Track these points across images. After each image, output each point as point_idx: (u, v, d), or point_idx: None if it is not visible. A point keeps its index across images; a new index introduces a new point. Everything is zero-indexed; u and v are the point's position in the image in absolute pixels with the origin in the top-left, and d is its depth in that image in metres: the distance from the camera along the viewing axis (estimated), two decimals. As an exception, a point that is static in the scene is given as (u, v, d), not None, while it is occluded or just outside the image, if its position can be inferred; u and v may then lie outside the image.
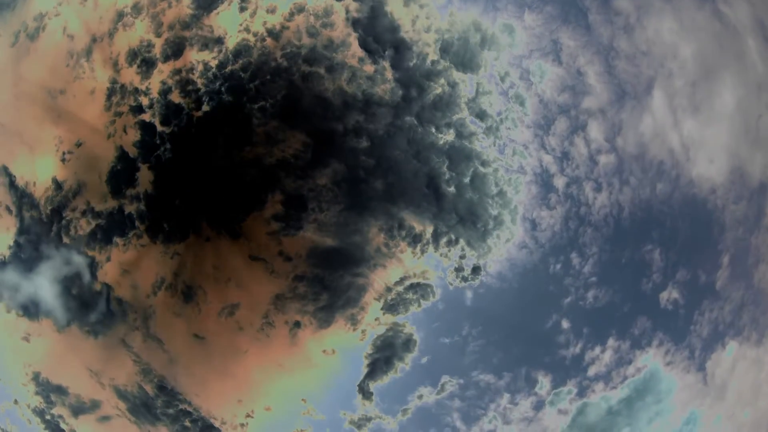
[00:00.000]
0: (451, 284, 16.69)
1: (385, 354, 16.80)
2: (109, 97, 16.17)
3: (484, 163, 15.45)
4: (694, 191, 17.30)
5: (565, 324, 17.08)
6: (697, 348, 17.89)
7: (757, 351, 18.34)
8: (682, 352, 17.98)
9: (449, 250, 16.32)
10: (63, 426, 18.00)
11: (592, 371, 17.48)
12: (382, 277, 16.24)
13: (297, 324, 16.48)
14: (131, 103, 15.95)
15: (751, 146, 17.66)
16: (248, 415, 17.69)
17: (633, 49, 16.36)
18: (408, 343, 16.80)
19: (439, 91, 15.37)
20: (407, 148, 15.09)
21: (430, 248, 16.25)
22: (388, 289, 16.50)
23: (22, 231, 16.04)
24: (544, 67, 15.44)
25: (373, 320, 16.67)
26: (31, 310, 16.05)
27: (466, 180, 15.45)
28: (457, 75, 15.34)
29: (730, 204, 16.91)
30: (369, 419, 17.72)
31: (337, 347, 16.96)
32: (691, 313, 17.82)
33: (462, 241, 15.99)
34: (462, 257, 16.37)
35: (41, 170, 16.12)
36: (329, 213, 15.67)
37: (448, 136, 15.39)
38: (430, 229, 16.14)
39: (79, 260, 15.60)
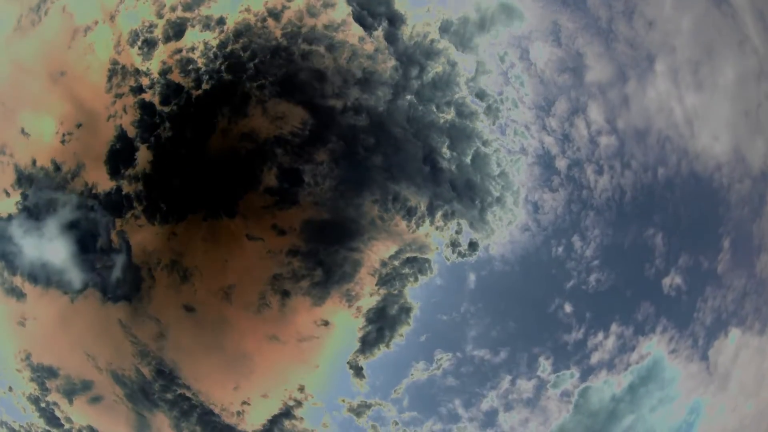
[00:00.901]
0: (448, 259, 16.64)
1: (379, 325, 16.72)
2: (110, 78, 16.19)
3: (485, 143, 15.41)
4: (696, 172, 17.27)
5: (568, 308, 16.96)
6: (700, 336, 17.75)
7: (760, 340, 18.16)
8: (686, 340, 17.82)
9: (445, 224, 16.29)
10: (57, 413, 17.77)
11: (595, 357, 17.33)
12: (377, 252, 16.16)
13: (286, 293, 16.36)
14: (131, 84, 15.96)
15: (751, 134, 17.67)
16: (245, 402, 17.52)
17: (632, 32, 16.44)
18: (402, 315, 16.70)
19: (438, 69, 15.41)
20: (406, 125, 15.09)
21: (426, 222, 16.21)
22: (383, 264, 16.42)
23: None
24: (543, 47, 15.49)
25: (368, 295, 16.57)
26: (39, 276, 15.79)
27: (467, 159, 15.42)
28: (456, 54, 15.38)
29: (735, 183, 16.83)
30: (368, 406, 17.49)
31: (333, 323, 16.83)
32: (694, 300, 17.70)
33: (458, 215, 15.93)
34: (458, 232, 16.33)
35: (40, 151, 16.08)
36: (325, 187, 15.66)
37: (448, 115, 15.40)
38: (425, 203, 16.14)
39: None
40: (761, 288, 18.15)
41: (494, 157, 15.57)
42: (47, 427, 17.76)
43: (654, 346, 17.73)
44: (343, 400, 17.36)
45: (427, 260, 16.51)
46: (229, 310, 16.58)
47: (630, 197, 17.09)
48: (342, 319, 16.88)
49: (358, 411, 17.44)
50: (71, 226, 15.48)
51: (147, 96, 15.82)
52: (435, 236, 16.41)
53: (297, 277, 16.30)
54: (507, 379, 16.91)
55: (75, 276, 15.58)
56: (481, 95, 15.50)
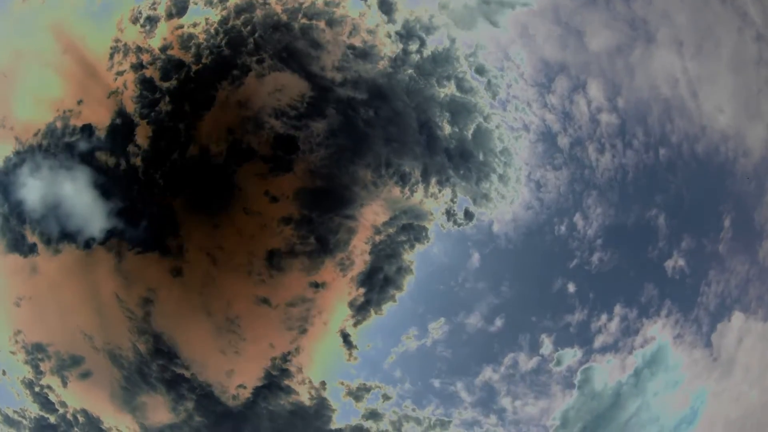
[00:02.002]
0: (443, 227, 16.53)
1: (372, 294, 16.51)
2: (111, 56, 16.19)
3: (486, 118, 15.39)
4: (698, 154, 17.24)
5: (571, 287, 16.80)
6: (704, 321, 17.60)
7: (763, 326, 18.00)
8: (690, 326, 17.65)
9: (440, 192, 16.18)
10: (52, 397, 17.48)
11: (598, 338, 17.14)
12: (371, 218, 16.09)
13: (278, 260, 16.21)
14: (133, 61, 15.96)
15: (750, 120, 17.69)
16: (241, 386, 17.29)
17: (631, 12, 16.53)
18: (397, 283, 16.51)
19: (438, 47, 15.46)
20: (405, 98, 15.10)
21: (420, 189, 16.10)
22: (377, 231, 16.30)
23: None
24: (543, 23, 15.54)
25: (362, 263, 16.41)
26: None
27: (468, 133, 15.38)
28: (456, 30, 15.42)
29: (740, 157, 16.77)
30: (368, 389, 17.22)
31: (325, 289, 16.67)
32: (697, 284, 17.57)
33: (453, 184, 15.84)
34: (453, 200, 16.24)
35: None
36: (320, 154, 15.62)
37: (448, 90, 15.40)
38: (419, 169, 16.03)
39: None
40: (764, 275, 18.06)
41: (496, 133, 15.54)
42: (41, 413, 17.47)
43: (658, 330, 17.58)
44: (342, 383, 17.10)
45: (424, 228, 16.43)
46: (217, 274, 16.52)
47: (632, 177, 17.08)
48: (334, 286, 16.74)
49: (357, 395, 17.19)
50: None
51: (148, 72, 15.79)
52: (430, 204, 16.35)
53: (290, 245, 16.22)
54: (509, 357, 16.79)
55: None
56: (480, 71, 15.51)
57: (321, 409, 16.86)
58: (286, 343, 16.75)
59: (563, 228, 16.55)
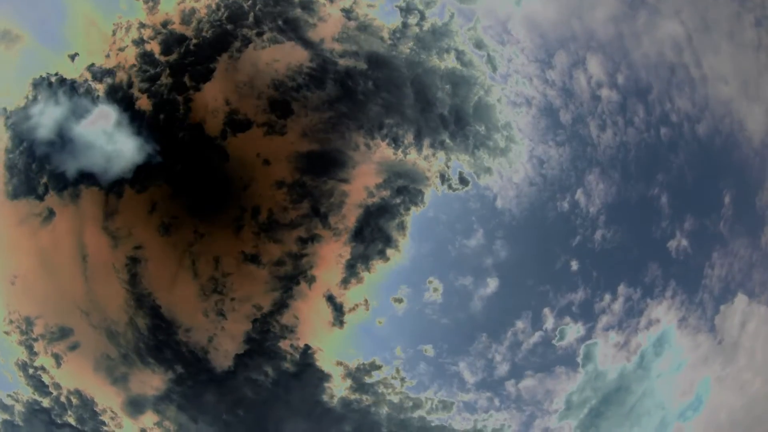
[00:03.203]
0: (437, 189, 16.48)
1: (365, 255, 16.39)
2: (114, 32, 16.18)
3: (487, 91, 15.39)
4: (700, 136, 17.20)
5: (574, 264, 16.66)
6: (708, 305, 17.39)
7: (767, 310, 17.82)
8: (696, 309, 17.46)
9: (433, 154, 16.11)
10: (45, 379, 17.15)
11: (603, 317, 16.93)
12: (364, 180, 16.05)
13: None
14: (134, 37, 15.97)
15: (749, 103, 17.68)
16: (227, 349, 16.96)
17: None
18: (393, 243, 16.38)
19: (438, 20, 15.50)
20: (405, 71, 15.13)
21: (413, 151, 16.05)
22: (371, 194, 16.27)
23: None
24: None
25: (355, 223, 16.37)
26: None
27: (469, 106, 15.35)
28: (455, 5, 15.49)
29: (743, 139, 16.69)
30: (367, 371, 16.94)
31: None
32: (701, 266, 17.41)
33: (448, 149, 15.83)
34: (447, 164, 16.20)
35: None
36: (313, 118, 15.64)
37: (448, 61, 15.40)
38: (412, 132, 16.05)
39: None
40: (767, 261, 17.93)
41: (497, 107, 15.54)
42: (35, 397, 17.12)
43: (663, 312, 17.38)
44: (339, 363, 16.83)
45: (420, 192, 16.38)
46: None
47: (634, 155, 17.02)
48: (327, 249, 16.68)
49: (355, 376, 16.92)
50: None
51: (148, 47, 15.78)
52: (423, 165, 16.28)
53: (283, 207, 16.23)
54: (511, 331, 16.64)
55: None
56: (480, 44, 15.56)
57: (309, 373, 16.59)
58: (273, 304, 16.63)
59: (566, 205, 16.48)
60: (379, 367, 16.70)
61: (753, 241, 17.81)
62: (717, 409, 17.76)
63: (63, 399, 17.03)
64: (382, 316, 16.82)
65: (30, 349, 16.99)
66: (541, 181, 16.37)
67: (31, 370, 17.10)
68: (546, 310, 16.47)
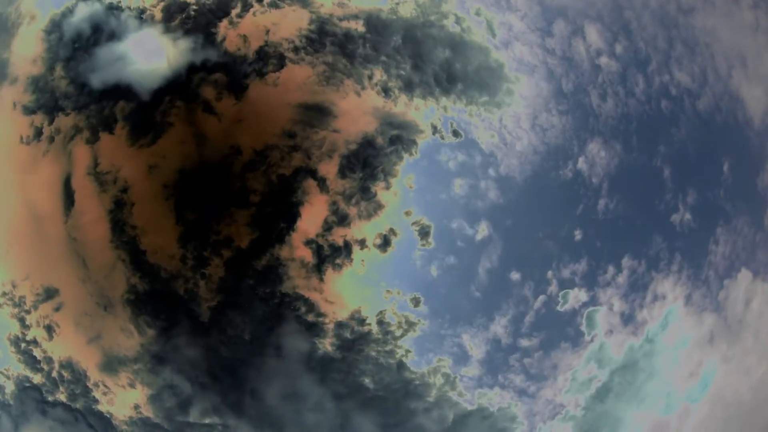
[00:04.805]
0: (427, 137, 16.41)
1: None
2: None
3: (486, 56, 15.44)
4: (700, 112, 17.20)
5: (578, 234, 16.48)
6: (713, 282, 17.17)
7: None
8: (701, 286, 17.23)
9: (424, 102, 16.01)
10: (37, 353, 16.68)
11: (606, 293, 16.70)
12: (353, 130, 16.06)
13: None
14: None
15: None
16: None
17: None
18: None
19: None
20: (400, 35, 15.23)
21: (403, 99, 16.03)
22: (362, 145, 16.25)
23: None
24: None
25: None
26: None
27: (471, 68, 15.40)
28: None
29: (745, 110, 16.69)
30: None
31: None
32: (706, 240, 17.23)
33: (439, 100, 15.85)
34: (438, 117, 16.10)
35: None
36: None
37: (449, 28, 15.49)
38: (403, 82, 16.04)
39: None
40: (771, 242, 17.77)
41: (497, 72, 15.55)
42: (26, 373, 16.64)
43: (669, 288, 17.16)
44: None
45: (413, 141, 16.35)
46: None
47: (635, 126, 16.99)
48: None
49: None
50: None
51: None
52: (414, 116, 16.26)
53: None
54: (514, 299, 16.48)
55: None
56: (479, 11, 15.64)
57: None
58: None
59: (569, 173, 16.38)
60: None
61: (755, 220, 17.72)
62: (723, 389, 17.46)
63: (54, 374, 16.59)
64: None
65: (22, 321, 16.60)
66: (544, 149, 16.31)
67: (23, 345, 16.69)
68: (549, 273, 16.38)
